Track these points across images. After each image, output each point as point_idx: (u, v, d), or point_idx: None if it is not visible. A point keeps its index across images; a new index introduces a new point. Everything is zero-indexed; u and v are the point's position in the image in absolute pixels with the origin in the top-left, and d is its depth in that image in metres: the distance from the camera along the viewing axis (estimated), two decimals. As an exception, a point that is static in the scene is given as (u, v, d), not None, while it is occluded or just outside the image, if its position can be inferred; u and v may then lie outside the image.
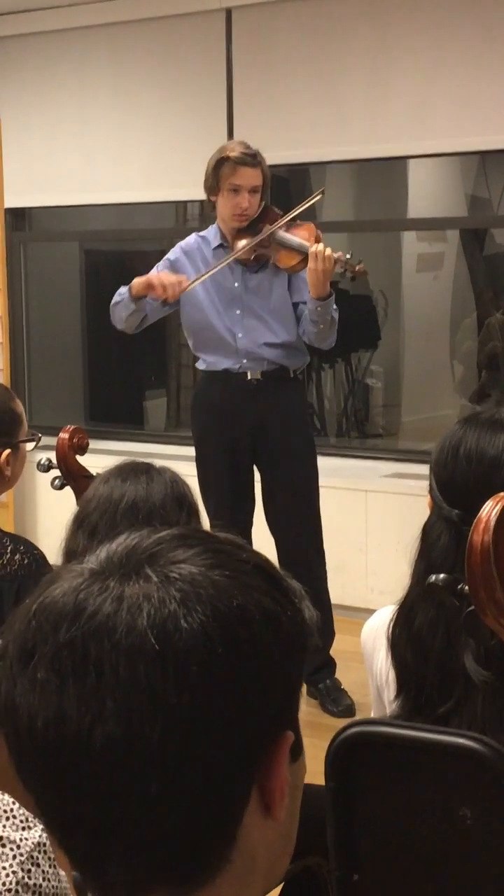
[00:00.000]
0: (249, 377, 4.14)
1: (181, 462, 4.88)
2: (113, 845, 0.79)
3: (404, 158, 6.13)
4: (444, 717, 1.68)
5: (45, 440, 2.66)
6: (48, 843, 1.16)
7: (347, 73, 5.40)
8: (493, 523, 1.20)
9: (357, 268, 3.90)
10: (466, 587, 1.27)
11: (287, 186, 6.88)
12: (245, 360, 4.14)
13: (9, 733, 0.81)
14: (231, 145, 4.12)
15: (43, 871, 1.16)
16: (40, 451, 2.73)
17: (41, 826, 1.17)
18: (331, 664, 4.28)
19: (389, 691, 1.83)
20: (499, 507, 1.21)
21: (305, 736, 0.90)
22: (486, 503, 1.22)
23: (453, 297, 8.28)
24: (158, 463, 2.14)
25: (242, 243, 4.09)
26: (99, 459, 2.74)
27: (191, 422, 4.48)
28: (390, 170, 7.14)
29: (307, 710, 4.13)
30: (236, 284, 4.16)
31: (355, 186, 7.85)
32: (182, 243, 4.29)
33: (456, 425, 1.81)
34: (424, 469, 5.64)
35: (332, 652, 4.28)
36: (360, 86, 5.38)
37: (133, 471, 2.07)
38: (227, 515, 4.15)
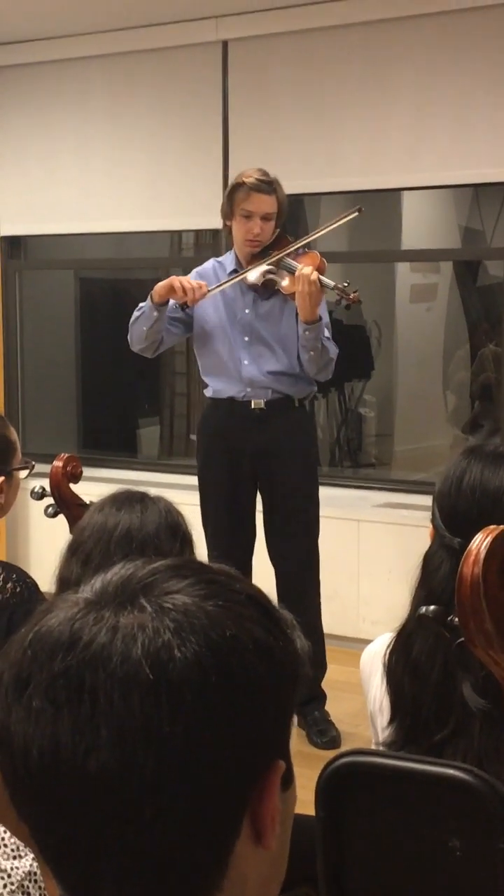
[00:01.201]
0: (253, 406, 4.15)
1: (174, 490, 4.89)
2: (105, 872, 0.80)
3: (399, 190, 6.18)
4: (438, 745, 1.69)
5: (39, 468, 2.67)
6: (38, 872, 1.17)
7: (342, 105, 5.44)
8: (482, 556, 1.21)
9: (351, 295, 3.90)
10: (456, 619, 1.27)
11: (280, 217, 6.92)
12: (249, 389, 4.15)
13: (3, 761, 0.82)
14: (248, 171, 4.13)
15: (33, 900, 1.16)
16: (34, 479, 2.74)
17: (31, 855, 1.17)
18: (321, 696, 4.27)
19: (382, 718, 1.84)
20: (489, 539, 1.22)
21: (294, 766, 0.90)
22: (477, 536, 1.24)
23: (446, 328, 8.31)
24: (152, 491, 2.15)
25: (252, 268, 4.11)
26: (91, 487, 2.75)
27: (196, 448, 4.49)
28: (384, 201, 7.19)
29: (295, 739, 4.12)
30: (247, 311, 4.17)
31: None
32: (198, 268, 4.33)
33: (460, 456, 1.84)
34: (417, 499, 5.63)
35: (323, 680, 4.28)
36: (355, 118, 5.42)
37: (128, 499, 2.08)
38: (224, 543, 4.16)
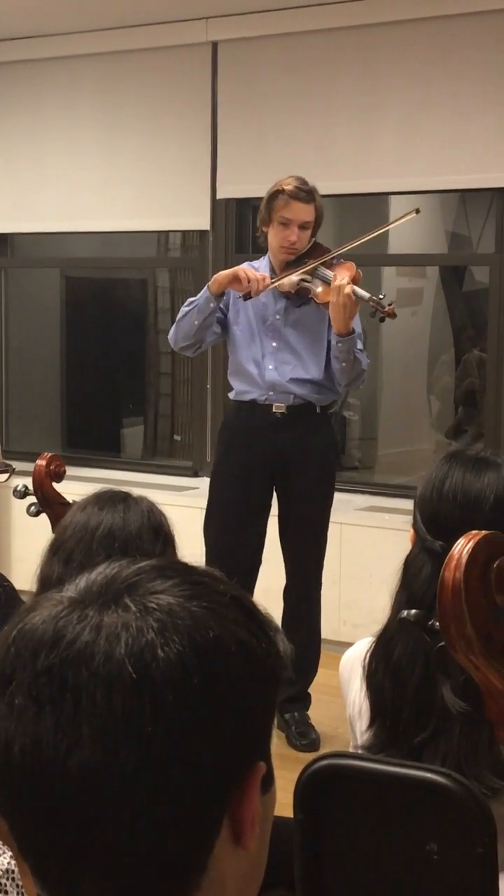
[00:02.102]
0: (274, 409, 4.15)
1: (157, 491, 4.89)
2: (85, 870, 0.80)
3: (387, 195, 6.19)
4: (418, 747, 1.70)
5: (22, 466, 2.67)
6: (16, 870, 1.17)
7: (332, 109, 5.45)
8: (464, 561, 1.22)
9: (387, 308, 3.87)
10: (437, 623, 1.28)
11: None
12: (271, 392, 4.14)
13: None
14: (287, 179, 4.11)
15: (11, 898, 1.16)
16: (17, 478, 2.74)
17: (10, 853, 1.17)
18: (305, 698, 4.27)
19: (362, 722, 1.85)
20: (471, 544, 1.23)
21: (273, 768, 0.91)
22: (459, 540, 1.24)
23: (431, 333, 8.33)
24: (135, 491, 2.15)
25: (287, 275, 4.09)
26: (75, 486, 2.75)
27: (215, 447, 4.50)
28: (372, 205, 7.20)
29: (274, 741, 4.12)
30: (278, 317, 4.16)
31: (336, 221, 7.90)
32: None
33: (441, 461, 1.86)
34: (399, 503, 5.63)
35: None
36: (344, 122, 5.43)
37: (110, 499, 2.08)
38: (228, 543, 4.17)
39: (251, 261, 4.36)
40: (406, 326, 8.24)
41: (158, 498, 2.21)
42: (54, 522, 2.61)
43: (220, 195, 5.79)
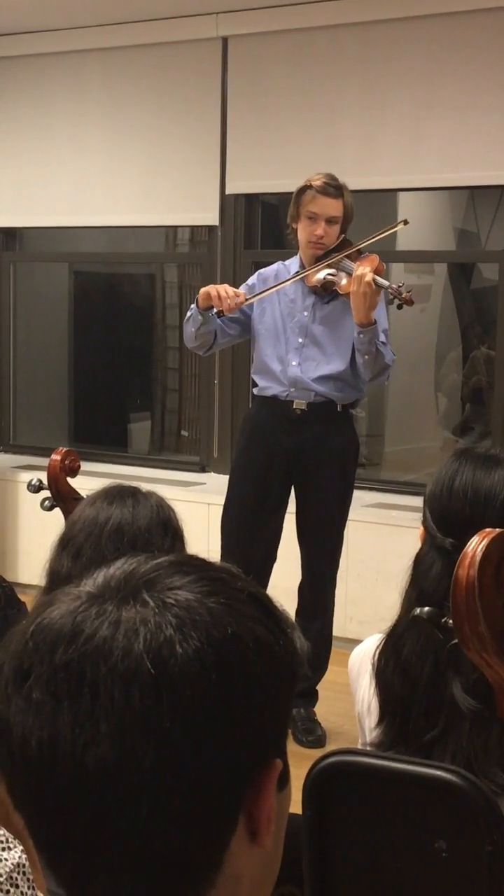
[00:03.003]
0: (295, 406, 4.15)
1: (164, 486, 4.89)
2: (100, 866, 0.80)
3: (395, 191, 6.19)
4: (427, 745, 1.70)
5: (30, 460, 2.67)
6: (27, 864, 1.17)
7: (341, 105, 5.44)
8: (478, 558, 1.22)
9: (404, 295, 3.88)
10: (450, 620, 1.28)
11: (277, 214, 6.92)
12: (292, 389, 4.15)
13: (1, 753, 0.82)
14: (317, 175, 4.14)
15: (21, 892, 1.16)
16: (31, 472, 2.74)
17: (20, 847, 1.18)
18: (313, 695, 4.28)
19: (371, 719, 1.85)
20: (484, 542, 1.23)
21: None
22: (473, 538, 1.24)
23: (439, 330, 8.32)
24: (143, 486, 2.15)
25: (313, 268, 4.11)
26: (82, 481, 2.75)
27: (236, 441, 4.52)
28: (380, 202, 7.20)
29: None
30: (305, 314, 4.18)
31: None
32: (262, 269, 4.34)
33: (451, 458, 1.86)
34: (406, 499, 5.62)
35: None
36: (352, 118, 5.42)
37: (119, 494, 2.08)
38: (243, 538, 4.18)
39: (284, 260, 4.35)
40: (414, 323, 8.24)
41: (165, 493, 2.21)
42: (68, 517, 2.61)
43: (228, 190, 5.79)
